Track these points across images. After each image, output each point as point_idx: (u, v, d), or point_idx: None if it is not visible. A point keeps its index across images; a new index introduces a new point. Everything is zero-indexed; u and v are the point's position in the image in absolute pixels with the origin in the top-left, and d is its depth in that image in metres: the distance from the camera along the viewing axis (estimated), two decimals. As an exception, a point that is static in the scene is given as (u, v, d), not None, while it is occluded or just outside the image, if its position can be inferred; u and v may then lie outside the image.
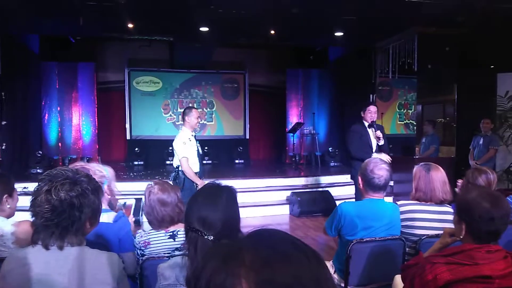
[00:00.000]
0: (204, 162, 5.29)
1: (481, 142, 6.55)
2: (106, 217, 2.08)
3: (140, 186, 5.73)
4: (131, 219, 2.39)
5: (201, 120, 4.65)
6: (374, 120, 4.74)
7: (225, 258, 0.58)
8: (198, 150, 4.51)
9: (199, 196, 1.45)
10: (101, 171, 2.21)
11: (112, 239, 2.02)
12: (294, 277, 0.55)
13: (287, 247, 0.59)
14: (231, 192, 1.48)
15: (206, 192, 1.48)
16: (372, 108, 4.75)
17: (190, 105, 9.08)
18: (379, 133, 4.67)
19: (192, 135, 4.47)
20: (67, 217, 1.35)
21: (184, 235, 1.49)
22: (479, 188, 1.81)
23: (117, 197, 2.36)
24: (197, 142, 4.57)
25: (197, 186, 4.21)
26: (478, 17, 6.10)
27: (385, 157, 4.45)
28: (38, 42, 8.77)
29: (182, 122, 4.74)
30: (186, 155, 4.31)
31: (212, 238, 1.32)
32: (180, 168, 4.35)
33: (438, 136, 7.30)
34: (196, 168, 4.46)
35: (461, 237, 1.65)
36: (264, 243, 0.60)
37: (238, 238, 0.64)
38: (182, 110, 4.60)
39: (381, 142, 4.68)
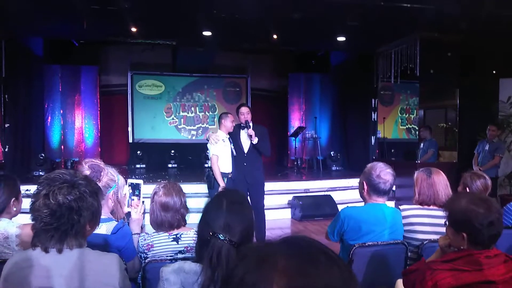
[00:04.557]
0: (206, 165, 5.30)
1: (486, 148, 6.43)
2: (105, 228, 2.00)
3: (142, 190, 5.71)
4: (139, 217, 2.35)
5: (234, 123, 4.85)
6: (248, 120, 4.70)
7: (259, 260, 0.59)
8: (232, 151, 4.71)
9: (223, 202, 1.41)
10: (113, 175, 2.18)
11: (111, 251, 1.92)
12: (326, 287, 0.56)
13: (320, 257, 0.59)
14: (247, 199, 1.48)
15: (230, 198, 1.44)
16: (243, 110, 4.75)
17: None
18: (251, 131, 4.62)
19: (227, 137, 4.72)
20: (66, 221, 1.34)
21: (194, 239, 1.47)
22: (466, 195, 1.76)
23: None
24: (232, 142, 4.76)
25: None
26: (480, 23, 6.11)
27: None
28: (41, 45, 8.79)
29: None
30: (216, 153, 4.57)
31: (236, 245, 1.31)
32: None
33: (436, 141, 7.29)
34: (228, 169, 4.66)
35: (462, 248, 1.62)
36: (298, 250, 0.60)
37: (270, 243, 0.63)
38: (220, 115, 5.00)
39: (255, 141, 4.62)
